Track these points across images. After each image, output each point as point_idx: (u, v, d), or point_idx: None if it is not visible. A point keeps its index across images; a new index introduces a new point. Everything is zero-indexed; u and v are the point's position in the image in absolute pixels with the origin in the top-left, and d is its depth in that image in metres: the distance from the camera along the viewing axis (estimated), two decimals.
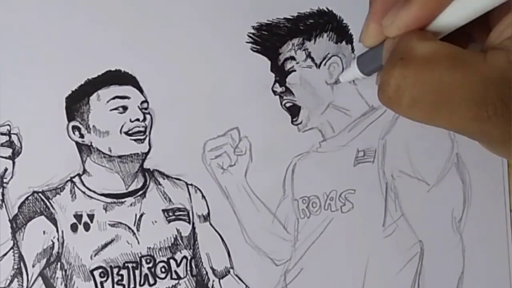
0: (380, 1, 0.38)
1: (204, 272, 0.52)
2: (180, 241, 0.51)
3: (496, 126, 0.31)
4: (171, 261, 0.51)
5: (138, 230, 0.50)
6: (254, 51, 0.53)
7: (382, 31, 0.38)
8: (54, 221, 0.49)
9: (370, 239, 0.53)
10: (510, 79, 0.31)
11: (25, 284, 0.49)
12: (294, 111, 0.53)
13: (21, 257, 0.49)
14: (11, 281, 0.49)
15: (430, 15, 0.35)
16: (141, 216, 0.51)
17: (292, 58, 0.53)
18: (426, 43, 0.33)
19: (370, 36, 0.41)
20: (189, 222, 0.52)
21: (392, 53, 0.35)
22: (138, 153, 0.51)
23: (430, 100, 0.32)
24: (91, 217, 0.50)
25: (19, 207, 0.49)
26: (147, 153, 0.51)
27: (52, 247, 0.49)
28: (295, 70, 0.53)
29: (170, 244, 0.51)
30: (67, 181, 0.50)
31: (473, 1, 0.33)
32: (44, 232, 0.49)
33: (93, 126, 0.50)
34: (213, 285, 0.52)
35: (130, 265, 0.50)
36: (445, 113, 0.32)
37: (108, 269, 0.50)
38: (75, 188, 0.50)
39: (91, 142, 0.50)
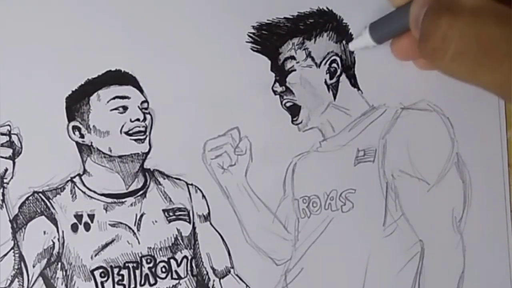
0: None
1: (205, 272, 0.52)
2: (180, 241, 0.51)
3: None
4: (172, 261, 0.51)
5: (138, 230, 0.50)
6: (254, 50, 0.53)
7: None
8: (54, 221, 0.49)
9: (371, 238, 0.53)
10: None
11: (25, 284, 0.49)
12: (294, 110, 0.53)
13: (21, 257, 0.49)
14: (12, 281, 0.48)
15: None
16: (141, 216, 0.51)
17: (292, 57, 0.53)
18: None
19: None
20: (189, 222, 0.52)
21: (435, 3, 0.35)
22: (138, 153, 0.51)
23: (475, 53, 0.32)
24: (91, 217, 0.50)
25: (20, 207, 0.49)
26: (147, 153, 0.51)
27: (53, 247, 0.49)
28: (295, 70, 0.53)
29: (170, 244, 0.51)
30: (67, 181, 0.50)
31: None
32: (44, 232, 0.49)
33: (93, 126, 0.50)
34: (213, 285, 0.52)
35: (130, 265, 0.50)
36: (489, 68, 0.32)
37: (109, 269, 0.50)
38: (76, 188, 0.50)
39: (91, 142, 0.50)
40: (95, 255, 0.50)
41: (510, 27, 0.32)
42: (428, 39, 0.34)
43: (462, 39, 0.32)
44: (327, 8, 0.54)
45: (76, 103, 0.50)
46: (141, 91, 0.51)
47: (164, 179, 0.52)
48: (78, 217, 0.50)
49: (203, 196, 0.52)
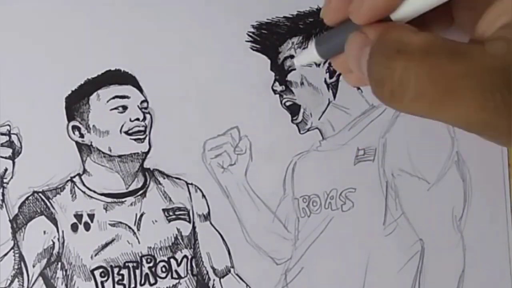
0: None
1: (205, 272, 0.52)
2: (180, 240, 0.51)
3: (503, 116, 0.31)
4: (172, 260, 0.51)
5: (138, 229, 0.50)
6: (254, 50, 0.53)
7: (345, 8, 0.37)
8: (54, 221, 0.50)
9: (371, 237, 0.53)
10: None
11: (25, 284, 0.49)
12: (294, 109, 0.53)
13: (21, 257, 0.49)
14: (12, 281, 0.49)
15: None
16: (141, 215, 0.51)
17: (292, 56, 0.53)
18: (421, 35, 0.33)
19: (332, 12, 0.39)
20: (189, 222, 0.52)
21: (381, 45, 0.34)
22: (138, 153, 0.51)
23: (434, 92, 0.31)
24: (91, 216, 0.50)
25: (20, 207, 0.49)
26: (147, 153, 0.51)
27: (53, 247, 0.49)
28: (295, 69, 0.53)
29: (170, 244, 0.51)
30: (67, 181, 0.50)
31: None
32: (44, 232, 0.49)
33: (93, 125, 0.51)
34: (213, 284, 0.52)
35: (130, 264, 0.50)
36: (450, 105, 0.32)
37: (109, 268, 0.50)
38: (75, 188, 0.50)
39: (91, 142, 0.51)
40: (95, 255, 0.50)
41: (465, 61, 0.32)
42: (383, 84, 0.33)
43: (419, 81, 0.32)
44: None
45: (76, 102, 0.50)
46: (141, 90, 0.51)
47: (164, 178, 0.52)
48: (78, 216, 0.50)
49: (203, 195, 0.52)
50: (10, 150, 0.49)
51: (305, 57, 0.45)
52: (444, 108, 0.32)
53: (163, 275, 0.51)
